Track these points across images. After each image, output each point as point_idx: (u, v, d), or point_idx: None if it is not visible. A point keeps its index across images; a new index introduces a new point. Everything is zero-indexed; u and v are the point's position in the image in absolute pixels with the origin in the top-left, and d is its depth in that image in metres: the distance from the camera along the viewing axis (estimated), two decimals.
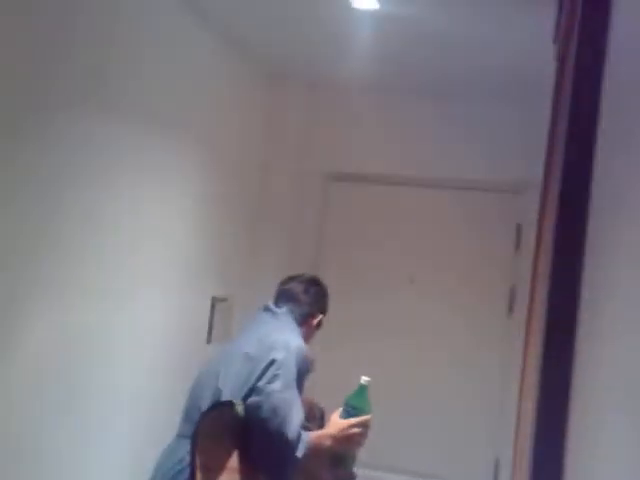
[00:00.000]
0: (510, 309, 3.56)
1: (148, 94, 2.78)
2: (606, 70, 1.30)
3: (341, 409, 2.04)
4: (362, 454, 2.14)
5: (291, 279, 2.36)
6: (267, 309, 2.27)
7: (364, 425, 2.01)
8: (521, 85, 3.35)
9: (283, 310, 2.24)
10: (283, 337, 2.08)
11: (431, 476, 3.51)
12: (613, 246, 1.03)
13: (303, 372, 2.04)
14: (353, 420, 1.99)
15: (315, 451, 1.96)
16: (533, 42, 2.80)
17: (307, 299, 2.28)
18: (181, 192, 3.15)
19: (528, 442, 1.42)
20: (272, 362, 1.98)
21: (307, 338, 2.26)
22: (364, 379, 2.01)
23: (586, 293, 1.24)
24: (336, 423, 2.00)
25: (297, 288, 2.31)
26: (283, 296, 2.30)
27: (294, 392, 1.97)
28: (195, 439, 1.89)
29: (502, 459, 3.29)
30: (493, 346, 3.55)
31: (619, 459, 0.78)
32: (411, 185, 3.76)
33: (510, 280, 3.55)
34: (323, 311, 2.34)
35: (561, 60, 2.13)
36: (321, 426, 2.15)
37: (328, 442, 1.98)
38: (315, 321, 2.30)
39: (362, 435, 2.01)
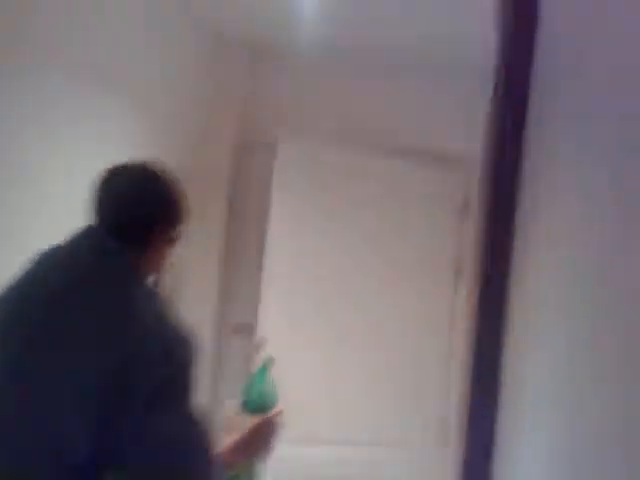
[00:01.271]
0: (457, 282, 3.59)
1: (84, 47, 2.64)
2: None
3: (236, 402, 1.49)
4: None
5: (113, 174, 1.32)
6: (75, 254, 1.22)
7: (272, 424, 1.44)
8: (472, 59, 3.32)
9: (113, 248, 1.22)
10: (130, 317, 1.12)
11: (381, 443, 3.52)
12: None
13: (189, 365, 1.13)
14: (259, 420, 1.43)
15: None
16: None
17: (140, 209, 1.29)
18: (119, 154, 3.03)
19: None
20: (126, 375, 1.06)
21: (154, 269, 1.32)
22: (265, 356, 1.57)
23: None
24: (236, 426, 1.40)
25: (122, 189, 1.31)
26: (104, 212, 1.28)
27: (188, 415, 1.12)
28: None
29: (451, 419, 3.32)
30: (441, 312, 3.58)
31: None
32: (361, 154, 3.72)
33: (457, 248, 3.59)
34: (172, 220, 1.34)
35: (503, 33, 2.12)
36: None
37: (238, 457, 1.37)
38: (162, 239, 1.32)
39: (271, 438, 1.44)
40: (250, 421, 1.42)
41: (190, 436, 1.10)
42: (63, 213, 2.27)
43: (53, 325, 1.12)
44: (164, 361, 1.08)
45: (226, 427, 1.40)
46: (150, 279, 1.28)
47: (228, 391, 3.58)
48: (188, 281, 3.66)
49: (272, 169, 3.66)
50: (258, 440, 1.41)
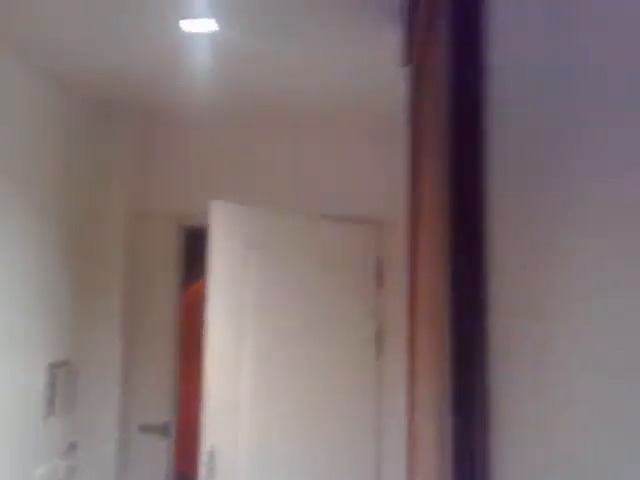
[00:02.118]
0: (378, 348, 3.38)
1: None
2: (488, 93, 1.13)
3: None
4: None
5: None
6: None
7: None
8: (374, 117, 3.24)
9: None
10: None
11: None
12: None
13: None
14: None
15: None
16: (378, 68, 2.68)
17: None
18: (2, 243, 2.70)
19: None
20: None
21: None
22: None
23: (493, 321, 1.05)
24: None
25: None
26: None
27: None
28: None
29: None
30: (363, 386, 3.34)
31: None
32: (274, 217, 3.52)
33: (376, 318, 3.38)
34: None
35: (415, 84, 2.00)
36: None
37: None
38: None
39: None
40: None
41: None
42: None
43: None
44: None
45: None
46: None
47: None
48: (86, 375, 3.33)
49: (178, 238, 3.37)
50: None
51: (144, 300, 3.54)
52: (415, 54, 1.90)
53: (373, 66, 2.70)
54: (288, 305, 3.17)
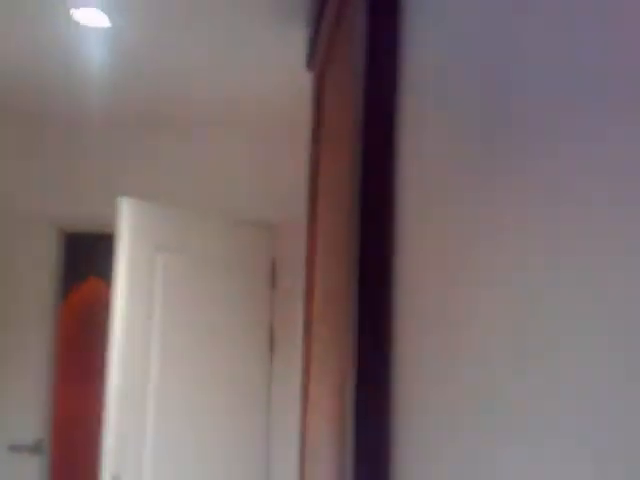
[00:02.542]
0: (271, 348, 3.37)
1: None
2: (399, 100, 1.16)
3: None
4: None
5: None
6: None
7: None
8: (272, 118, 3.23)
9: None
10: None
11: None
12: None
13: None
14: None
15: None
16: (282, 69, 2.68)
17: None
18: None
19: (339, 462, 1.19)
20: None
21: None
22: None
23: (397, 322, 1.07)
24: None
25: None
26: None
27: None
28: None
29: None
30: (255, 387, 3.32)
31: None
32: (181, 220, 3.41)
33: (268, 318, 3.37)
34: None
35: (319, 85, 2.02)
36: None
37: None
38: None
39: None
40: None
41: None
42: None
43: None
44: None
45: None
46: None
47: None
48: None
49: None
50: None
51: (17, 312, 3.33)
52: (320, 56, 1.92)
53: (277, 67, 2.70)
54: (189, 307, 3.09)
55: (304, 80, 2.20)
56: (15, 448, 3.27)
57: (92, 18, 2.39)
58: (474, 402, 0.75)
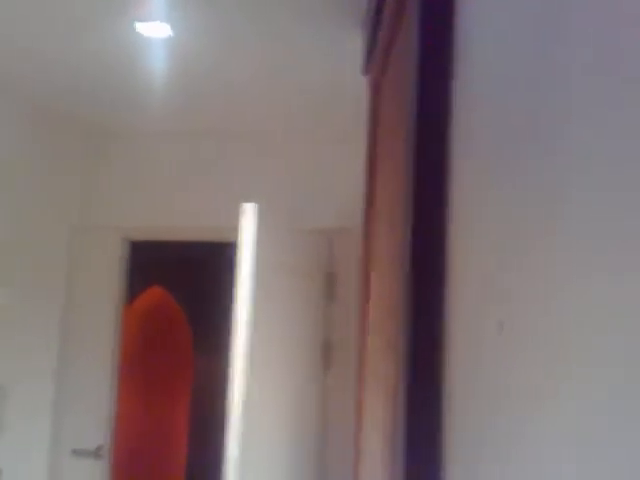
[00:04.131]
0: (326, 365, 3.32)
1: None
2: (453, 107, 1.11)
3: None
4: None
5: None
6: None
7: None
8: (340, 118, 3.19)
9: None
10: None
11: None
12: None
13: None
14: None
15: None
16: (338, 74, 2.66)
17: None
18: None
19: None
20: None
21: None
22: None
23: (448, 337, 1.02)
24: None
25: None
26: None
27: None
28: None
29: None
30: (310, 402, 3.28)
31: None
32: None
33: (324, 332, 3.33)
34: None
35: (375, 91, 1.99)
36: None
37: None
38: None
39: None
40: None
41: None
42: None
43: None
44: None
45: None
46: None
47: None
48: (15, 398, 3.16)
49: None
50: None
51: (84, 318, 3.41)
52: (377, 61, 1.88)
53: (332, 72, 2.68)
54: (268, 318, 3.01)
55: (360, 85, 2.16)
56: (78, 452, 3.33)
57: (155, 29, 2.42)
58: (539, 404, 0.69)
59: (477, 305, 0.92)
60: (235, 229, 2.87)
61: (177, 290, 5.23)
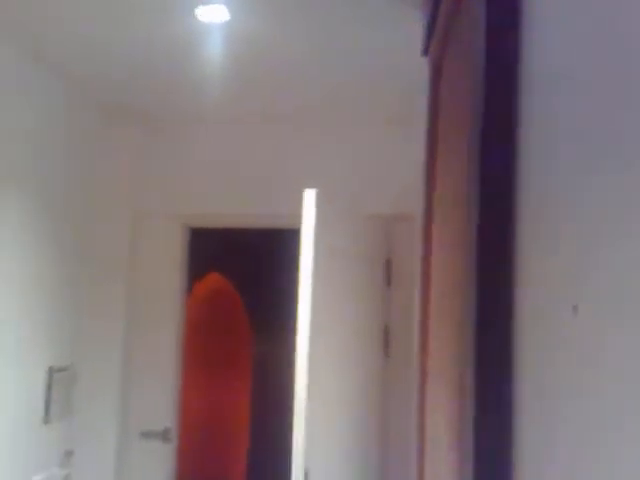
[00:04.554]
0: (386, 351, 3.31)
1: None
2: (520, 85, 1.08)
3: None
4: None
5: None
6: None
7: None
8: (387, 106, 3.17)
9: None
10: None
11: None
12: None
13: None
14: None
15: None
16: (394, 56, 2.62)
17: None
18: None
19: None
20: None
21: None
22: None
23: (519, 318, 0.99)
24: None
25: None
26: None
27: None
28: None
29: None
30: (369, 388, 3.27)
31: None
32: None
33: (383, 318, 3.32)
34: None
35: (436, 73, 1.95)
36: None
37: None
38: None
39: None
40: None
41: None
42: None
43: None
44: None
45: None
46: None
47: None
48: (85, 380, 3.27)
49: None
50: None
51: (148, 303, 3.49)
52: (437, 42, 1.85)
53: (392, 53, 2.64)
54: (329, 302, 3.01)
55: (420, 66, 2.13)
56: (146, 434, 3.42)
57: (213, 12, 2.42)
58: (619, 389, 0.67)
59: (551, 289, 0.90)
60: (292, 216, 2.89)
61: (234, 276, 5.29)
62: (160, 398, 3.46)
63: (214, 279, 5.39)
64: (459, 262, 1.33)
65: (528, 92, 1.04)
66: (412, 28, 2.26)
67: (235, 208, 3.51)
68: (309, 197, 2.76)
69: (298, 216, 2.82)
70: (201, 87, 3.11)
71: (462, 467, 1.17)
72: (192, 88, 3.14)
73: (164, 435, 3.43)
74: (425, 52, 2.10)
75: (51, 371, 3.02)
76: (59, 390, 3.08)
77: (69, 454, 3.25)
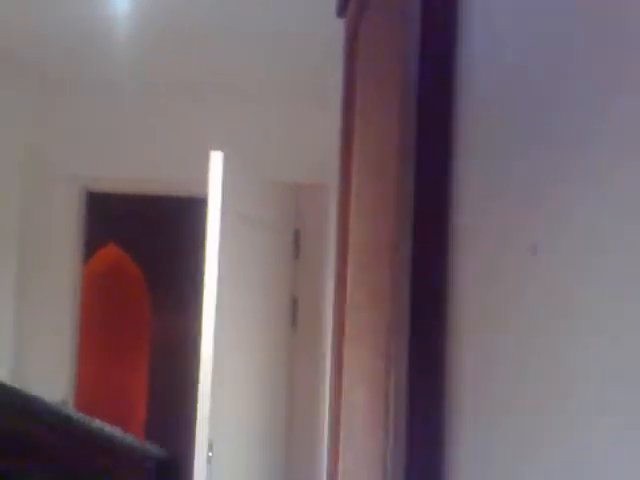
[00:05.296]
0: (293, 322, 3.29)
1: None
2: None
3: None
4: None
5: None
6: None
7: None
8: (309, 73, 3.07)
9: None
10: None
11: None
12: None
13: None
14: None
15: None
16: (308, 18, 2.55)
17: None
18: None
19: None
20: None
21: None
22: None
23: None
24: None
25: None
26: None
27: None
28: None
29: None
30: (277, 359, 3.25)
31: None
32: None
33: (291, 289, 3.28)
34: None
35: (352, 36, 1.91)
36: None
37: None
38: None
39: None
40: None
41: None
42: None
43: None
44: None
45: None
46: None
47: None
48: None
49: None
50: None
51: (41, 274, 3.27)
52: (354, 2, 1.80)
53: (304, 15, 2.57)
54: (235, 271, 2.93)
55: (335, 29, 2.07)
56: None
57: None
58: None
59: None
60: (198, 182, 2.79)
61: (134, 247, 5.10)
62: (55, 371, 3.27)
63: (112, 253, 5.17)
64: (386, 229, 1.31)
65: (466, 63, 1.02)
66: None
67: (138, 172, 3.33)
68: (216, 159, 2.66)
69: (205, 183, 2.73)
70: (103, 51, 2.93)
71: (390, 433, 1.16)
72: (94, 51, 2.95)
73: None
74: (340, 13, 2.04)
75: None
76: None
77: None
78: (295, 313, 3.29)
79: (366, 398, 1.42)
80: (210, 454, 2.56)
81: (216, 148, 2.76)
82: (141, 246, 5.04)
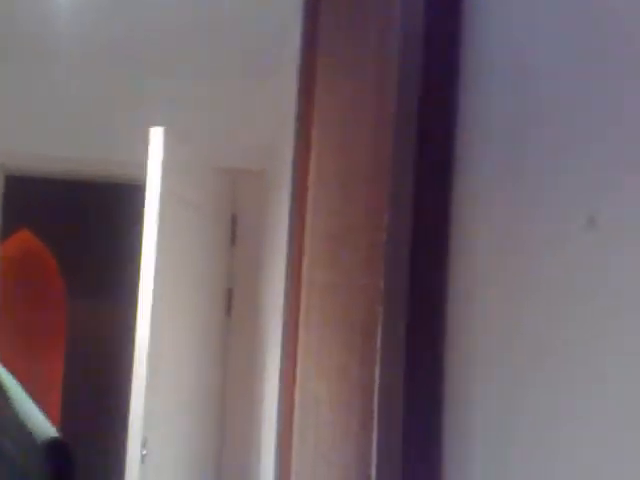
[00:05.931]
0: (228, 310, 3.15)
1: None
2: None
3: None
4: None
5: None
6: None
7: None
8: (246, 54, 2.90)
9: None
10: None
11: None
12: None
13: None
14: None
15: None
16: None
17: None
18: None
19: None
20: None
21: None
22: None
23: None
24: None
25: None
26: None
27: None
28: None
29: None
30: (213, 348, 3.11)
31: None
32: None
33: (227, 275, 3.14)
34: None
35: (312, 9, 1.80)
36: None
37: None
38: None
39: None
40: None
41: None
42: None
43: None
44: None
45: None
46: None
47: None
48: None
49: None
50: None
51: None
52: None
53: None
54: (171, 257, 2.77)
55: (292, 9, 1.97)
56: None
57: None
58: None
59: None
60: (128, 163, 2.63)
61: (49, 233, 4.83)
62: None
63: (24, 239, 4.88)
64: (361, 201, 1.23)
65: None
66: None
67: (62, 150, 3.06)
68: (156, 135, 2.51)
69: (135, 164, 2.58)
70: (29, 21, 2.69)
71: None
72: (18, 20, 2.71)
73: None
74: None
75: None
76: None
77: None
78: (230, 300, 3.15)
79: (335, 394, 1.32)
80: (144, 452, 2.40)
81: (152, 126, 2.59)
82: (56, 232, 4.78)
